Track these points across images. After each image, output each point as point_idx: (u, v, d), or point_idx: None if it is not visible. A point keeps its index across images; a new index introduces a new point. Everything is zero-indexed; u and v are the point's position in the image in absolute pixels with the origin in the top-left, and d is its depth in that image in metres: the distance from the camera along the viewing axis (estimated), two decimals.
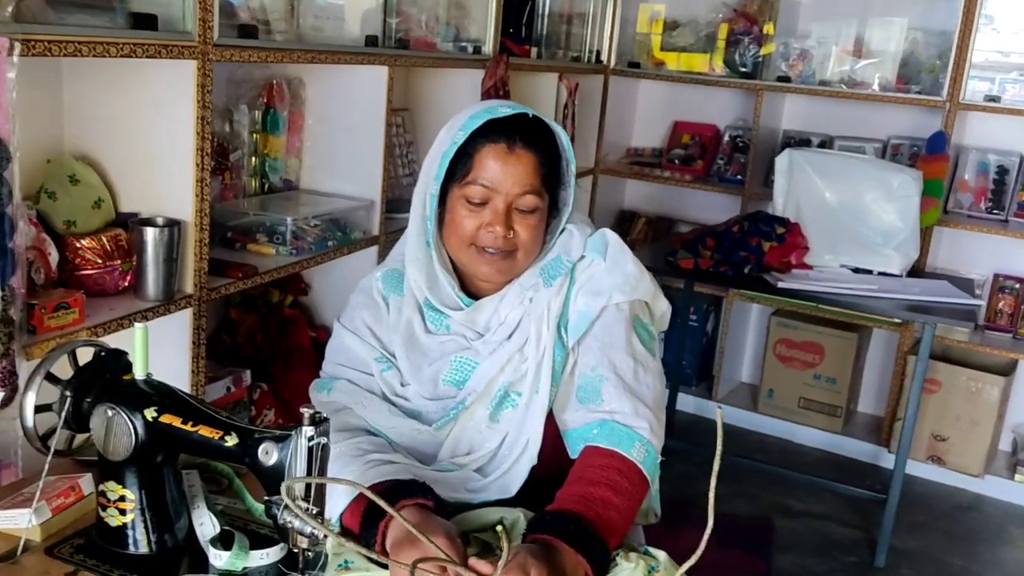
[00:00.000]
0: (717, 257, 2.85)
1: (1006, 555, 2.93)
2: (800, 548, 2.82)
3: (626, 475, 1.25)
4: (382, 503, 1.02)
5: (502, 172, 1.33)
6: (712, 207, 3.73)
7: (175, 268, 1.66)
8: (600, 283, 1.37)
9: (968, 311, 2.67)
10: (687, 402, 3.74)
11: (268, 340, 2.21)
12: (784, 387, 3.62)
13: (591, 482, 1.22)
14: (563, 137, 1.40)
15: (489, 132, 1.34)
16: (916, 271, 3.03)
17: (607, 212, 3.97)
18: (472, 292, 1.41)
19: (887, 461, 3.37)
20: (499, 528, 1.07)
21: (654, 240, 3.82)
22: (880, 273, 2.89)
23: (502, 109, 1.37)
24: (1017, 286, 3.33)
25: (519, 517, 1.22)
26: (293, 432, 1.07)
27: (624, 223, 4.04)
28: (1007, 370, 3.28)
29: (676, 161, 3.82)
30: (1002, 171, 3.34)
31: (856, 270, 2.90)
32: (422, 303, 1.40)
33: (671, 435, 3.36)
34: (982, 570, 2.81)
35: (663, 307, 1.49)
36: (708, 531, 1.04)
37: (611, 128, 3.81)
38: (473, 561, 1.06)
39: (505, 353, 1.35)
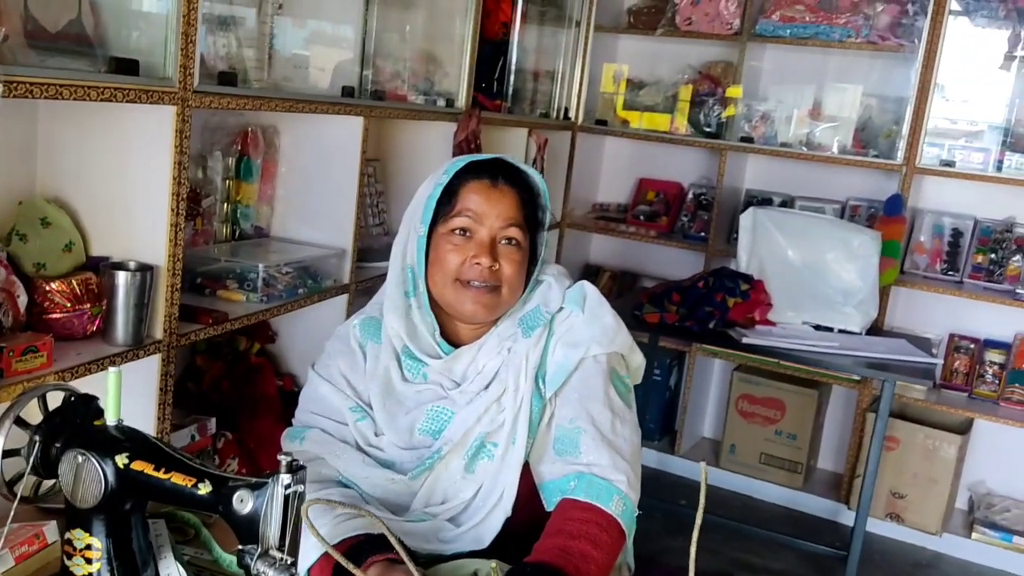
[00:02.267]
0: (683, 312, 2.88)
1: None
2: None
3: (605, 528, 1.25)
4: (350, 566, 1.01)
5: (486, 204, 1.36)
6: (676, 263, 3.78)
7: (145, 313, 1.64)
8: (579, 335, 1.39)
9: (926, 369, 2.73)
10: (649, 456, 3.74)
11: (234, 388, 2.18)
12: (745, 442, 3.65)
13: (571, 535, 1.22)
14: (540, 183, 1.43)
15: (472, 171, 1.38)
16: (875, 330, 3.10)
17: (573, 266, 4.00)
18: (451, 340, 1.41)
19: (846, 518, 3.39)
20: (488, 568, 1.06)
21: (619, 295, 3.85)
22: (840, 331, 2.95)
23: (484, 156, 1.41)
24: (972, 346, 3.41)
25: (495, 568, 1.21)
26: (269, 480, 1.05)
27: (589, 277, 4.07)
28: (963, 428, 3.34)
29: (641, 217, 3.88)
30: (956, 234, 3.44)
31: (817, 327, 2.95)
32: (400, 351, 1.40)
33: None
34: None
35: (639, 360, 1.50)
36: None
37: (578, 183, 3.87)
38: None
39: (482, 403, 1.36)
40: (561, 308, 1.43)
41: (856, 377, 3.42)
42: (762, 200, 3.75)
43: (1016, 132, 3.30)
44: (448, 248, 1.37)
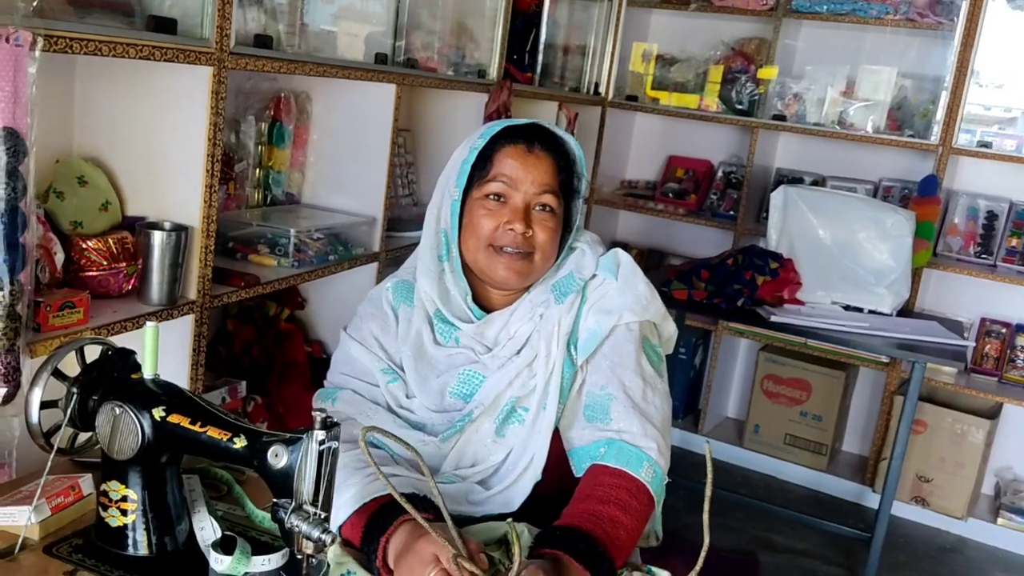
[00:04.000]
0: (711, 289, 2.86)
1: None
2: None
3: (635, 495, 1.25)
4: (409, 508, 1.02)
5: (522, 170, 1.35)
6: (703, 241, 3.76)
7: (180, 273, 1.65)
8: (611, 302, 1.38)
9: (957, 352, 2.70)
10: (673, 435, 3.69)
11: (263, 353, 2.20)
12: (770, 423, 3.63)
13: (601, 500, 1.22)
14: (577, 149, 1.42)
15: (507, 136, 1.37)
16: (905, 311, 3.06)
17: None
18: (483, 306, 1.41)
19: (871, 500, 3.38)
20: (511, 532, 1.06)
21: (646, 272, 3.81)
22: (871, 311, 2.92)
23: (520, 120, 1.40)
24: (1004, 330, 3.37)
25: (524, 531, 1.21)
26: (304, 435, 1.06)
27: None
28: (992, 413, 3.31)
29: (670, 195, 3.85)
30: (991, 216, 3.39)
31: (847, 307, 2.92)
32: (432, 315, 1.40)
33: None
34: None
35: (671, 330, 1.50)
36: (705, 546, 1.05)
37: (607, 160, 3.84)
38: (475, 548, 1.05)
39: (513, 368, 1.35)
40: (594, 275, 1.42)
41: (884, 359, 3.38)
42: (793, 179, 3.71)
43: None
44: (482, 213, 1.37)
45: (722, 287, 2.86)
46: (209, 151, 1.65)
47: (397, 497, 1.05)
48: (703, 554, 1.06)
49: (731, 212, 3.69)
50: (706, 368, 3.80)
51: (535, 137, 1.39)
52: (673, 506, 3.06)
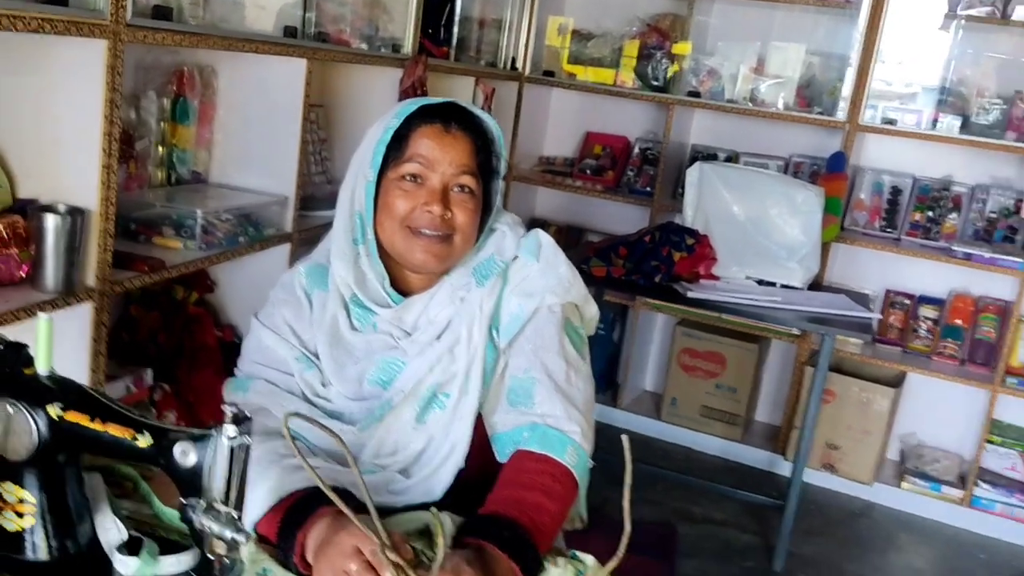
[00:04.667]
0: (629, 266, 2.88)
1: (895, 560, 3.06)
2: (702, 554, 2.87)
3: (559, 479, 1.24)
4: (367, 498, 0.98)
5: (439, 150, 1.32)
6: (621, 218, 3.78)
7: (77, 259, 1.56)
8: (533, 285, 1.36)
9: (864, 324, 2.78)
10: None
11: (171, 339, 2.11)
12: (687, 396, 3.69)
13: (525, 486, 1.21)
14: (495, 129, 1.39)
15: (423, 116, 1.33)
16: (815, 285, 3.14)
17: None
18: (401, 290, 1.37)
19: (783, 469, 3.48)
20: (434, 522, 1.04)
21: (565, 249, 3.80)
22: (783, 285, 2.98)
23: (436, 99, 1.36)
24: (907, 302, 3.49)
25: (447, 520, 1.19)
26: (213, 431, 1.01)
27: None
28: (896, 382, 3.43)
29: (587, 171, 3.86)
30: (895, 192, 3.50)
31: (760, 282, 2.98)
32: (348, 299, 1.36)
33: None
34: (874, 575, 2.92)
35: (593, 311, 1.50)
36: (626, 535, 1.05)
37: (524, 136, 3.82)
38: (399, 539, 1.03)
39: (434, 353, 1.33)
40: (516, 257, 1.40)
41: (795, 331, 3.47)
42: (707, 156, 3.75)
43: (954, 92, 3.35)
44: (398, 194, 1.33)
45: (640, 264, 2.88)
46: (106, 129, 1.56)
47: (323, 487, 1.01)
48: (624, 541, 1.06)
49: (648, 188, 3.72)
50: (624, 343, 3.84)
51: (452, 116, 1.35)
52: (594, 482, 3.11)
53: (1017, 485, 3.27)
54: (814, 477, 3.42)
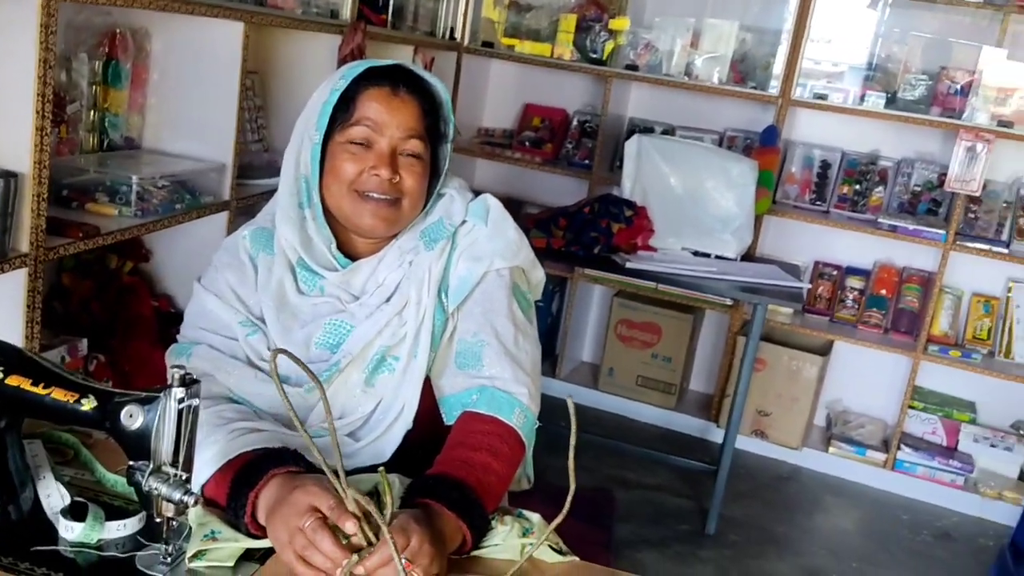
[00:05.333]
0: (569, 237, 2.91)
1: (821, 521, 3.18)
2: (638, 518, 2.94)
3: (506, 440, 1.26)
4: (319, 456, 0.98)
5: (387, 114, 1.31)
6: (560, 190, 3.80)
7: (10, 224, 1.51)
8: (482, 248, 1.37)
9: (795, 293, 2.87)
10: None
11: (105, 308, 2.06)
12: (623, 366, 3.76)
13: (472, 447, 1.22)
14: (443, 92, 1.39)
15: (372, 78, 1.32)
16: (748, 256, 3.22)
17: None
18: (349, 254, 1.37)
19: (716, 435, 3.57)
20: (382, 481, 1.05)
21: None
22: (718, 257, 3.05)
23: (384, 61, 1.35)
24: (835, 273, 3.61)
25: (395, 481, 1.20)
26: (161, 394, 1.00)
27: None
28: (824, 350, 3.55)
29: (526, 143, 3.87)
30: (825, 165, 3.59)
31: (696, 253, 3.04)
32: (295, 263, 1.35)
33: None
34: (800, 536, 3.03)
35: (540, 276, 1.51)
36: (571, 492, 1.08)
37: (463, 107, 3.80)
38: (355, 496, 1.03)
39: (383, 316, 1.33)
40: (464, 221, 1.41)
41: (728, 302, 3.55)
42: (645, 129, 3.79)
43: (882, 68, 3.45)
44: (345, 157, 1.32)
45: (579, 235, 2.92)
46: (39, 90, 1.51)
47: (310, 444, 1.01)
48: (569, 498, 1.09)
49: (586, 161, 3.75)
50: (563, 314, 3.88)
51: (400, 79, 1.34)
52: (536, 447, 3.15)
53: (937, 449, 3.42)
54: (745, 443, 3.53)
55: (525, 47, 3.75)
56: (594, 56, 3.65)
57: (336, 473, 1.03)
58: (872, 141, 3.58)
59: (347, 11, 2.59)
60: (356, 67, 1.34)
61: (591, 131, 3.81)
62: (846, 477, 3.44)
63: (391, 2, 3.01)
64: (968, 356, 3.29)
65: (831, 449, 3.49)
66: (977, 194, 3.18)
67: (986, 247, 3.24)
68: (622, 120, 3.85)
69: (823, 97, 3.39)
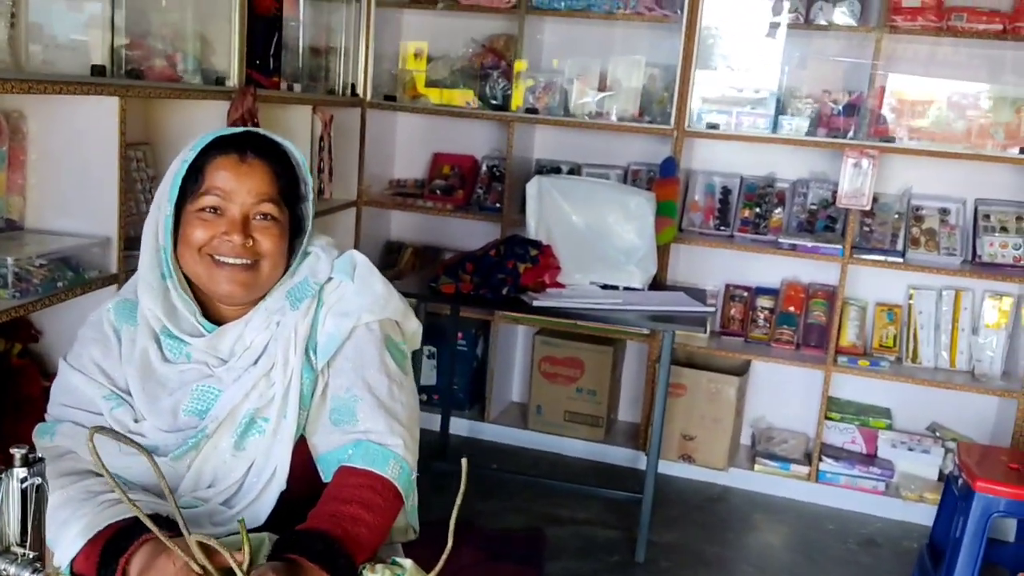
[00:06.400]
0: (477, 280, 2.95)
1: (751, 539, 3.22)
2: (568, 554, 2.95)
3: (379, 492, 1.28)
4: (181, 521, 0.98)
5: (235, 181, 1.34)
6: (475, 234, 3.85)
7: None
8: (349, 304, 1.40)
9: (700, 318, 2.94)
10: (461, 425, 3.82)
11: None
12: (550, 403, 3.79)
13: (343, 500, 1.24)
14: (296, 154, 1.43)
15: (220, 147, 1.35)
16: (659, 285, 3.29)
17: (373, 243, 4.00)
18: (215, 318, 1.39)
19: (645, 464, 3.59)
20: (241, 531, 1.06)
21: (422, 269, 3.88)
22: (626, 288, 3.11)
23: (234, 129, 1.39)
24: (745, 294, 3.70)
25: (264, 540, 1.21)
26: (3, 474, 1.01)
27: (392, 254, 4.08)
28: (741, 371, 3.62)
29: (438, 191, 3.92)
30: (726, 191, 3.70)
31: (604, 286, 3.10)
32: (159, 331, 1.36)
33: (445, 458, 3.45)
34: (731, 554, 3.06)
35: (414, 326, 1.53)
36: (447, 550, 1.11)
37: (372, 160, 3.85)
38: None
39: (250, 379, 1.35)
40: (331, 278, 1.43)
41: (645, 331, 3.62)
42: (552, 168, 3.87)
43: (774, 94, 3.56)
44: (196, 224, 1.35)
45: (487, 278, 2.96)
46: None
47: (136, 511, 1.02)
48: (445, 555, 1.12)
49: (497, 205, 3.81)
50: (488, 357, 3.90)
51: (249, 145, 1.38)
52: (464, 493, 3.15)
53: (858, 457, 3.50)
54: (673, 468, 3.57)
55: (444, 96, 3.81)
56: (495, 103, 3.73)
57: (193, 541, 1.04)
58: (768, 164, 3.70)
59: (235, 77, 2.62)
60: (205, 138, 1.38)
61: (500, 175, 3.88)
62: (773, 493, 3.50)
63: (287, 64, 3.06)
64: (876, 364, 3.39)
65: (756, 467, 3.54)
66: (868, 208, 3.30)
67: (882, 258, 3.36)
68: (529, 162, 3.93)
69: (715, 126, 3.50)
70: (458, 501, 1.12)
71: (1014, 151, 3.25)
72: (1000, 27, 3.21)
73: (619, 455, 3.71)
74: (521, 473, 3.49)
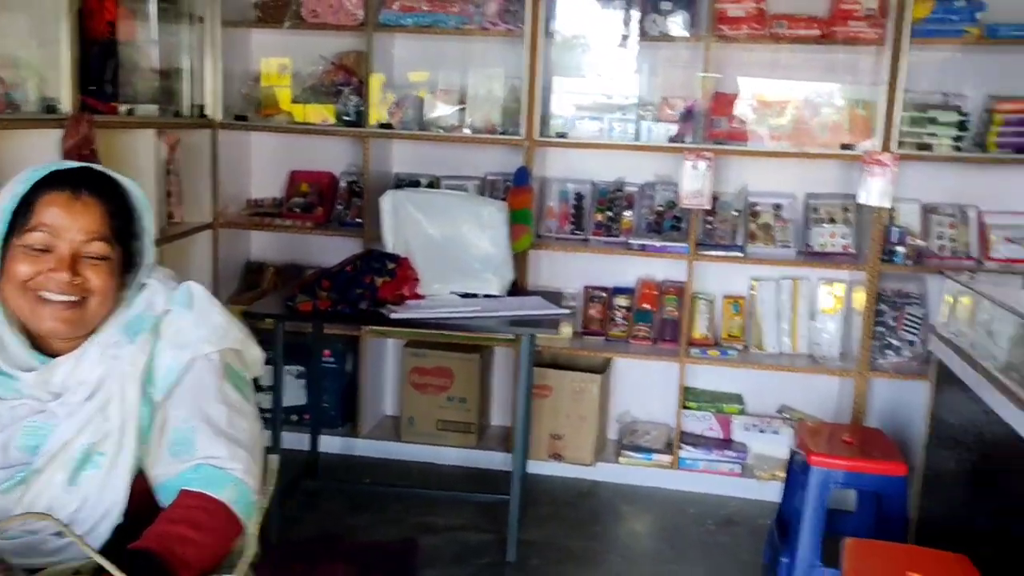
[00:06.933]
0: (334, 297, 2.97)
1: (618, 530, 3.35)
2: (442, 561, 3.00)
3: (212, 513, 1.29)
4: None
5: (66, 218, 1.33)
6: (337, 251, 3.83)
7: None
8: (187, 336, 1.41)
9: (554, 320, 3.04)
10: (334, 443, 3.80)
11: None
12: (422, 413, 3.83)
13: (172, 520, 1.26)
14: (133, 189, 1.42)
15: (53, 182, 1.34)
16: (520, 290, 3.38)
17: (233, 265, 3.95)
18: (48, 351, 1.37)
19: None
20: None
21: (284, 288, 3.85)
22: (485, 296, 3.19)
23: (69, 163, 1.38)
24: (603, 294, 3.84)
25: (93, 564, 1.21)
26: None
27: (252, 274, 4.04)
28: (603, 368, 3.76)
29: (296, 209, 3.91)
30: (579, 197, 3.83)
31: (464, 295, 3.17)
32: None
33: (315, 476, 3.45)
34: (599, 546, 3.18)
35: (255, 354, 1.55)
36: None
37: (227, 181, 3.81)
38: None
39: (85, 414, 1.34)
40: (168, 311, 1.44)
41: (511, 336, 3.70)
42: (411, 182, 3.91)
43: (620, 102, 3.71)
44: (21, 259, 1.34)
45: (344, 293, 2.98)
46: None
47: None
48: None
49: (358, 220, 3.83)
50: (359, 373, 3.91)
51: (83, 182, 1.37)
52: (336, 510, 3.16)
53: (714, 442, 3.69)
54: (543, 468, 3.67)
55: (308, 111, 3.78)
56: (347, 119, 3.75)
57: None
58: (618, 169, 3.85)
59: (67, 103, 2.56)
60: (40, 171, 1.35)
61: (359, 191, 3.89)
62: (638, 484, 3.64)
63: (126, 88, 3.00)
64: (725, 353, 3.59)
65: (622, 459, 3.68)
66: (709, 207, 3.50)
67: (724, 253, 3.56)
68: (388, 176, 3.96)
69: (564, 135, 3.63)
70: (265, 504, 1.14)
71: (837, 147, 3.50)
72: (818, 32, 3.45)
73: (492, 459, 3.78)
74: (394, 485, 3.52)
